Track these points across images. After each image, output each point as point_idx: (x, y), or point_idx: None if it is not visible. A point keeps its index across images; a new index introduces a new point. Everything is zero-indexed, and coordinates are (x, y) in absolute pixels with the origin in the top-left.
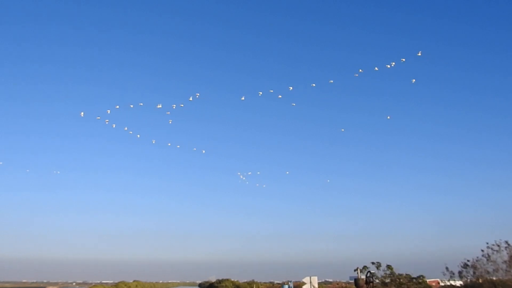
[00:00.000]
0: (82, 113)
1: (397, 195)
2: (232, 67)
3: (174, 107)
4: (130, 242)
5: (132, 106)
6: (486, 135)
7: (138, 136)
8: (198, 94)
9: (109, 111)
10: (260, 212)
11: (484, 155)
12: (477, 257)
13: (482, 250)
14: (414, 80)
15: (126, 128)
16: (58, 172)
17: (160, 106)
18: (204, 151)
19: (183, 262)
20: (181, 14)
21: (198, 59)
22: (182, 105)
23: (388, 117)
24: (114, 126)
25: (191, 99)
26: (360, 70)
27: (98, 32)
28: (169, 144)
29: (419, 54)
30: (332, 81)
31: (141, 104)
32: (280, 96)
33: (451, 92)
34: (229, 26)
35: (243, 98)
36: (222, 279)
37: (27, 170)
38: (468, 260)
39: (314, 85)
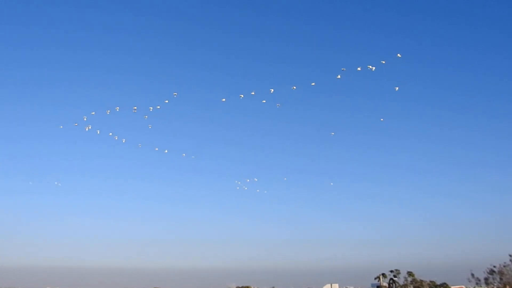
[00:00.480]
0: (61, 126)
1: (417, 199)
2: (215, 67)
3: (151, 109)
4: (149, 250)
5: (108, 112)
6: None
7: (124, 140)
8: (175, 93)
9: (85, 117)
10: (276, 218)
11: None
12: (504, 263)
13: (510, 255)
14: (397, 88)
15: (111, 134)
16: (59, 184)
17: (135, 110)
18: (193, 157)
19: (203, 269)
20: (159, 13)
21: (177, 59)
22: (158, 107)
23: (382, 119)
24: (98, 132)
25: (167, 101)
26: (343, 69)
27: (71, 32)
28: (156, 149)
29: (399, 56)
30: (313, 83)
31: (118, 108)
32: (264, 101)
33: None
34: (208, 25)
35: (223, 100)
36: (242, 286)
37: (30, 183)
38: (494, 266)
39: (294, 87)
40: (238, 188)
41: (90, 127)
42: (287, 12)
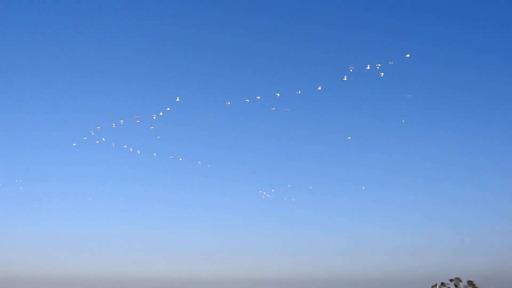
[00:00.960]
0: (74, 144)
1: (478, 202)
2: (219, 71)
3: (154, 118)
4: (199, 261)
5: (114, 125)
6: None
7: (138, 152)
8: (178, 98)
9: (92, 132)
10: (322, 227)
11: None
12: None
13: None
14: (409, 95)
15: (125, 146)
16: (90, 198)
17: (139, 121)
18: (209, 165)
19: (252, 279)
20: (161, 18)
21: (180, 64)
22: (161, 114)
23: (403, 121)
24: (113, 146)
25: (168, 109)
26: (351, 68)
27: (69, 38)
28: (172, 157)
29: (407, 56)
30: (320, 88)
31: (122, 121)
32: (273, 109)
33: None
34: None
35: (228, 103)
36: None
37: (68, 199)
38: None
39: (299, 92)
40: (263, 197)
41: (103, 140)
42: (292, 14)
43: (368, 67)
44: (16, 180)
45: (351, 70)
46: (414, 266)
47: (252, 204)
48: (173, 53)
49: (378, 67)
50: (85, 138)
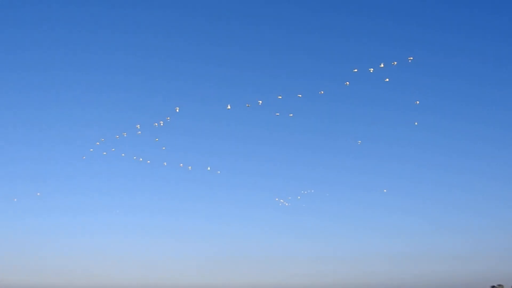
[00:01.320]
0: (84, 157)
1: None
2: (223, 79)
3: (156, 125)
4: (210, 269)
5: (117, 137)
6: None
7: (148, 162)
8: (177, 108)
9: (98, 143)
10: (330, 234)
11: None
12: None
13: None
14: (417, 102)
15: (135, 157)
16: (118, 211)
17: (139, 132)
18: (219, 172)
19: (268, 285)
20: (161, 28)
21: (177, 72)
22: (162, 123)
23: (416, 123)
24: (123, 155)
25: (168, 118)
26: (355, 70)
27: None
28: (181, 165)
29: (410, 59)
30: (322, 92)
31: (125, 134)
32: (277, 114)
33: None
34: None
35: (229, 107)
36: None
37: (77, 211)
38: None
39: (300, 95)
40: (280, 204)
41: (113, 150)
42: (294, 20)
43: (372, 70)
44: (37, 193)
45: (355, 71)
46: (454, 273)
47: (259, 211)
48: (174, 62)
49: (381, 66)
50: (92, 150)
